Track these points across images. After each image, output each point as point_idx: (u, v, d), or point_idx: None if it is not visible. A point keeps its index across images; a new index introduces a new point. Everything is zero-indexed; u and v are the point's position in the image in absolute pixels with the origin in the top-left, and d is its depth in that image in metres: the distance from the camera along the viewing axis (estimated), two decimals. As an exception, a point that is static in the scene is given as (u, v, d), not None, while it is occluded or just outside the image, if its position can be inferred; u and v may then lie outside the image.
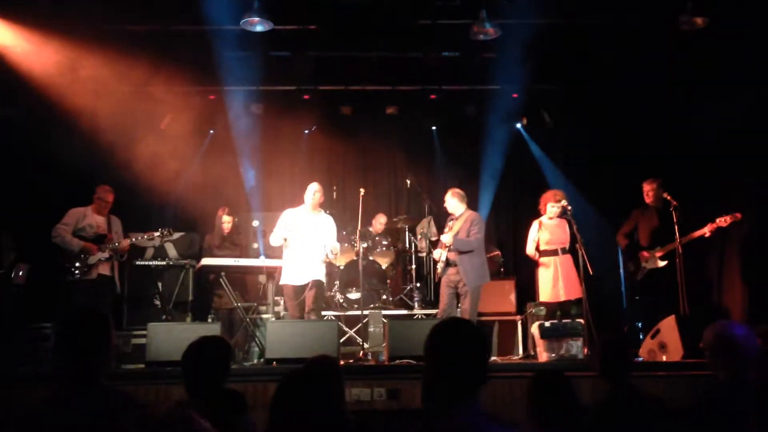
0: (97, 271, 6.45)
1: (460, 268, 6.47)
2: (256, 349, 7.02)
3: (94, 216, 6.62)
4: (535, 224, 6.82)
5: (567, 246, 6.65)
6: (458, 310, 6.60)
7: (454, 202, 6.73)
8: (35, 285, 6.82)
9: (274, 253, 7.48)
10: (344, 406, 2.81)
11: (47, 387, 2.29)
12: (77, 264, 6.37)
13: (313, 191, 6.64)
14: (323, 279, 6.67)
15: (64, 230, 6.42)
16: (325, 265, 6.70)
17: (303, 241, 6.50)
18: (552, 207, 6.70)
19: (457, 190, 6.82)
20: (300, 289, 6.47)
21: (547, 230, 6.73)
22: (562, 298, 6.56)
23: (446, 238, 6.53)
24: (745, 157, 7.12)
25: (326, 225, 6.71)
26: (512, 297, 7.86)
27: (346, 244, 8.00)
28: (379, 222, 8.49)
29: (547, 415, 2.79)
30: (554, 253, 6.64)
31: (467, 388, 1.95)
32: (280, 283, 6.60)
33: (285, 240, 6.48)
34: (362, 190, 7.16)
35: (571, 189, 7.71)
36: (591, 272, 6.42)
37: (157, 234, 6.92)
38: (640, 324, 6.62)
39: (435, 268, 7.07)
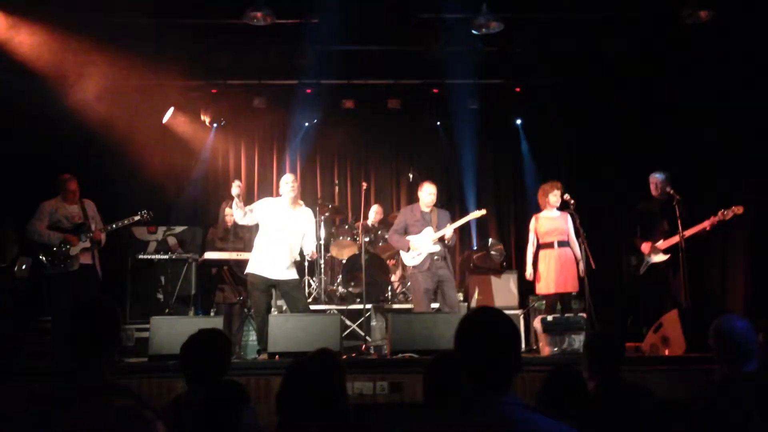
0: (78, 262, 6.24)
1: (448, 262, 6.57)
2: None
3: (65, 206, 6.37)
4: (532, 222, 6.84)
5: (566, 239, 6.64)
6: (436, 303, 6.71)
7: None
8: (38, 279, 6.82)
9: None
10: (345, 399, 2.82)
11: (49, 381, 2.30)
12: (60, 257, 6.17)
13: (290, 184, 6.17)
14: (297, 277, 6.36)
15: (40, 225, 6.20)
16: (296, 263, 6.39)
17: (281, 235, 6.15)
18: (551, 197, 6.70)
19: None
20: (269, 283, 6.14)
21: (544, 223, 6.73)
22: (553, 291, 6.55)
23: (449, 231, 6.52)
24: (747, 153, 7.12)
25: (306, 219, 6.34)
26: (514, 291, 7.87)
27: (348, 238, 8.01)
28: (375, 212, 8.49)
29: (560, 410, 2.79)
30: (550, 245, 6.65)
31: (506, 379, 1.93)
32: (247, 271, 6.18)
33: (245, 215, 6.09)
34: (364, 184, 7.15)
35: (572, 182, 7.70)
36: (593, 266, 6.43)
37: (137, 218, 6.58)
38: (642, 318, 6.61)
39: (402, 264, 6.98)
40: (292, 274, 6.19)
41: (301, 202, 6.44)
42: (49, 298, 6.23)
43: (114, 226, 6.50)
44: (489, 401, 1.88)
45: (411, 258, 6.59)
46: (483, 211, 6.89)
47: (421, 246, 6.53)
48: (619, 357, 3.33)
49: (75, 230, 6.33)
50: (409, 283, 7.87)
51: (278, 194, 6.35)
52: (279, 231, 6.16)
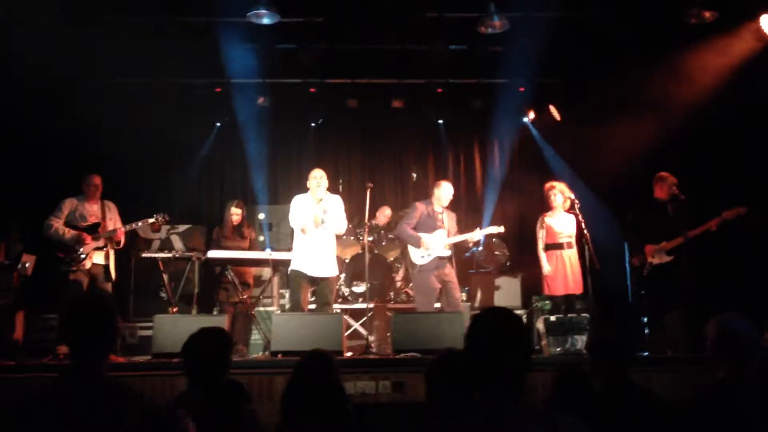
0: (91, 261, 6.32)
1: (452, 262, 6.62)
2: (260, 341, 7.04)
3: (85, 204, 6.47)
4: (539, 222, 6.82)
5: (572, 240, 6.63)
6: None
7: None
8: (42, 276, 6.84)
9: (279, 246, 7.49)
10: (345, 398, 2.82)
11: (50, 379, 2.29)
12: (72, 254, 6.25)
13: (317, 179, 6.30)
14: (337, 273, 6.55)
15: (56, 221, 6.30)
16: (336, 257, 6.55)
17: (317, 232, 6.28)
18: (551, 197, 6.69)
19: None
20: (312, 280, 6.31)
21: (550, 224, 6.72)
22: (562, 292, 6.56)
23: (477, 235, 6.65)
24: (750, 153, 7.10)
25: (334, 208, 6.42)
26: (517, 291, 7.85)
27: (352, 238, 8.00)
28: (384, 214, 8.46)
29: (571, 410, 2.78)
30: (560, 246, 6.63)
31: (519, 380, 1.87)
32: (292, 268, 6.32)
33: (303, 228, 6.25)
34: (370, 185, 7.11)
35: (578, 183, 7.67)
36: (598, 267, 6.41)
37: (151, 220, 6.68)
38: (645, 319, 6.59)
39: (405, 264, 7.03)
40: (334, 271, 6.38)
41: (328, 193, 6.48)
42: (61, 294, 6.30)
43: (129, 227, 6.61)
44: (501, 407, 1.81)
45: (420, 256, 6.59)
46: (501, 228, 6.99)
47: (432, 247, 6.55)
48: (624, 359, 3.29)
49: (90, 229, 6.41)
50: (411, 283, 7.86)
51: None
52: (314, 228, 6.27)
